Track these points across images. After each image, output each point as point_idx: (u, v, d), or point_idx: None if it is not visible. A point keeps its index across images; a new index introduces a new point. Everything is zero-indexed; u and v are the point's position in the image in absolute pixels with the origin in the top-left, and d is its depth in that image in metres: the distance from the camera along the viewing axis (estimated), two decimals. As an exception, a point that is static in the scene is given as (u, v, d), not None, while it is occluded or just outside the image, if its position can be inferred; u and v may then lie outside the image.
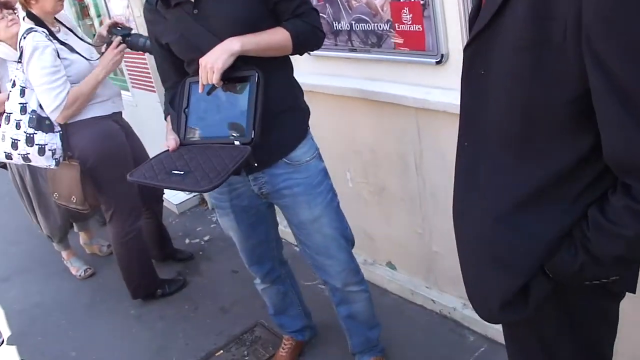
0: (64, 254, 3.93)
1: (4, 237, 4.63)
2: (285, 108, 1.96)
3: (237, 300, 3.34)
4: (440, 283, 2.85)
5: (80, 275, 3.88)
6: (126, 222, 3.18)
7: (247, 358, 2.90)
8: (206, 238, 4.04)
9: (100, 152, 2.95)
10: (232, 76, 1.77)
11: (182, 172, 1.68)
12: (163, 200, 3.71)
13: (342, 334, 2.82)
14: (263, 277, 2.46)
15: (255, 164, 1.90)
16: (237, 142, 1.77)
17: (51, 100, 2.75)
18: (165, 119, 2.06)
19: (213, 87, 1.79)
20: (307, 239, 2.18)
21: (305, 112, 2.08)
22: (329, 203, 2.11)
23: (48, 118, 2.80)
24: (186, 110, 1.87)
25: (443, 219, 2.59)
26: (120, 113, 3.17)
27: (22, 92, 2.77)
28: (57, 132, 2.84)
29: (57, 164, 2.87)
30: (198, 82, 1.78)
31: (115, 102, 3.08)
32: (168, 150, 1.87)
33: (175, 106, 1.95)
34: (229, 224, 2.25)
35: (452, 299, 2.83)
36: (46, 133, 2.79)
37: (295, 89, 2.06)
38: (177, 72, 1.99)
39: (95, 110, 2.96)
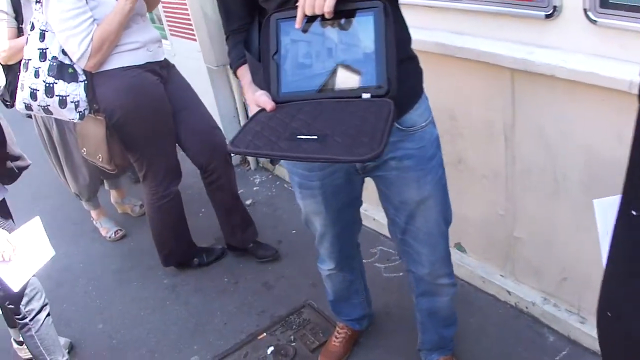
0: (93, 213, 3.63)
1: (30, 192, 4.33)
2: (405, 56, 1.58)
3: (282, 276, 3.01)
4: (518, 273, 2.49)
5: (110, 237, 3.60)
6: (160, 185, 2.83)
7: (293, 344, 2.58)
8: (248, 202, 3.71)
9: (126, 107, 2.57)
10: (344, 9, 1.34)
11: (314, 137, 1.26)
12: (232, 162, 3.13)
13: (403, 323, 2.52)
14: (337, 264, 2.11)
15: None
16: (365, 95, 1.34)
17: (75, 47, 2.38)
18: (235, 71, 1.66)
19: (310, 21, 1.38)
20: (405, 221, 1.82)
21: (419, 65, 1.70)
22: (438, 181, 1.75)
23: (71, 66, 2.44)
24: (276, 56, 1.43)
25: (532, 201, 2.23)
26: (160, 62, 2.69)
27: (42, 36, 2.40)
28: (81, 81, 2.47)
29: (82, 117, 2.53)
30: (290, 18, 1.38)
31: (151, 50, 2.61)
32: (262, 110, 1.42)
33: (254, 51, 1.55)
34: (314, 208, 1.88)
35: (531, 292, 2.49)
36: (68, 83, 2.43)
37: (409, 34, 1.66)
38: (246, 8, 1.59)
39: (125, 59, 2.54)
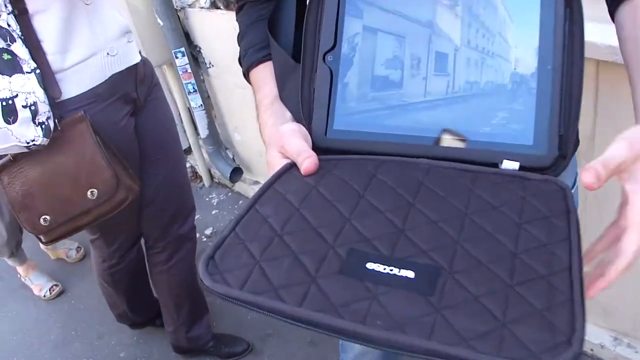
0: (20, 269, 2.93)
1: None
2: None
3: (268, 334, 2.41)
4: (581, 311, 1.97)
5: (45, 296, 2.91)
6: (115, 253, 2.11)
7: None
8: (208, 232, 3.07)
9: None
10: None
11: (406, 273, 0.58)
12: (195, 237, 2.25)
13: None
14: None
15: None
16: (509, 164, 0.70)
17: None
18: (246, 73, 0.97)
19: None
20: None
21: None
22: None
23: (6, 49, 1.50)
24: (330, 56, 0.78)
25: (599, 221, 1.67)
26: (136, 72, 1.72)
27: None
28: (28, 72, 1.49)
29: (47, 133, 1.47)
30: None
31: (114, 53, 1.62)
32: (289, 170, 0.75)
33: (287, 40, 0.90)
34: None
35: (598, 332, 2.02)
36: (8, 76, 1.41)
37: None
38: None
39: (73, 83, 1.55)
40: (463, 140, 0.70)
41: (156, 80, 1.86)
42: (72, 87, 1.54)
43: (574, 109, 0.68)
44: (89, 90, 1.56)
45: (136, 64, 1.68)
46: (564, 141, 0.68)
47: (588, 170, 0.59)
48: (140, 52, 1.75)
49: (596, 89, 1.49)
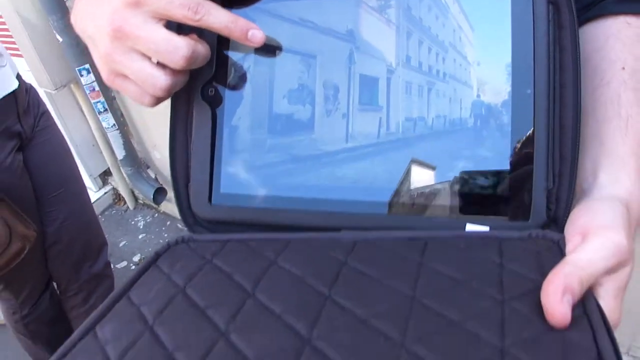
0: None
1: None
2: None
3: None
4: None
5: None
6: (24, 303, 1.83)
7: None
8: (136, 259, 2.79)
9: None
10: None
11: None
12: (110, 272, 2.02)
13: None
14: None
15: None
16: (472, 226, 0.47)
17: None
18: None
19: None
20: None
21: None
22: None
23: None
24: (209, 89, 0.55)
25: None
26: (16, 100, 1.46)
27: None
28: None
29: None
30: None
31: None
32: (152, 266, 0.53)
33: None
34: None
35: None
36: None
37: None
38: None
39: None
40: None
41: (44, 108, 1.60)
42: None
43: (569, 149, 0.46)
44: None
45: (14, 92, 1.41)
46: (555, 198, 0.46)
47: (562, 300, 0.37)
48: (19, 78, 1.48)
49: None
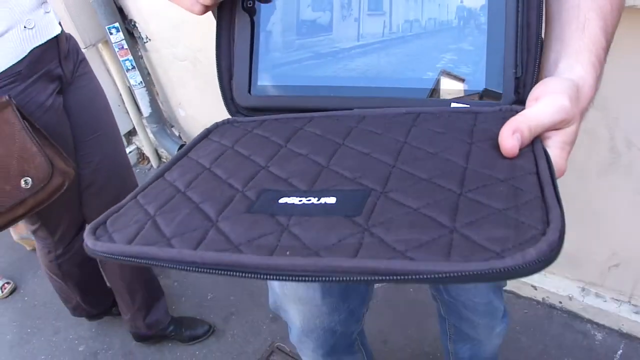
0: (-33, 269, 2.79)
1: None
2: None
3: (230, 313, 2.32)
4: (546, 262, 1.93)
5: (-4, 295, 2.77)
6: (59, 242, 1.96)
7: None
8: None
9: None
10: None
11: (328, 198, 0.48)
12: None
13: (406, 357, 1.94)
14: (327, 356, 1.42)
15: None
16: (456, 105, 0.60)
17: None
18: None
19: None
20: (459, 292, 1.27)
21: None
22: None
23: None
24: (248, 2, 0.68)
25: (572, 179, 1.68)
26: (58, 45, 1.56)
27: None
28: None
29: None
30: None
31: (31, 26, 1.46)
32: (205, 138, 0.68)
33: None
34: (301, 293, 1.12)
35: (566, 284, 1.98)
36: None
37: None
38: None
39: None
40: (461, 80, 0.61)
41: (82, 56, 1.73)
42: None
43: (533, 43, 0.59)
44: (7, 68, 1.42)
45: (57, 37, 1.54)
46: (522, 84, 0.59)
47: (512, 136, 0.50)
48: (60, 25, 1.61)
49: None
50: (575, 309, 1.95)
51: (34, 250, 2.90)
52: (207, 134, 0.65)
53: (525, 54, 0.59)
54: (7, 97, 1.40)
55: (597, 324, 1.92)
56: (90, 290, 2.22)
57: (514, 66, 0.58)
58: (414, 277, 0.37)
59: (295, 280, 0.41)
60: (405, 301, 2.14)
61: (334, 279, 0.39)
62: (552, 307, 2.00)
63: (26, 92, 1.47)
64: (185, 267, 0.45)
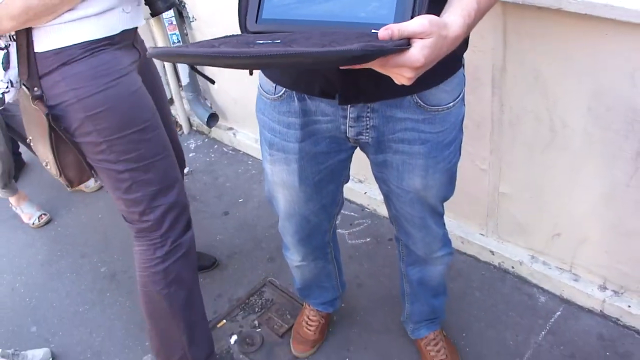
0: (12, 200, 3.19)
1: None
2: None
3: (234, 252, 2.70)
4: (502, 231, 2.28)
5: (33, 224, 3.17)
6: (171, 231, 1.87)
7: (259, 330, 2.30)
8: (185, 171, 3.33)
9: (90, 109, 1.59)
10: None
11: (277, 41, 0.87)
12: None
13: (378, 296, 2.36)
14: (306, 255, 1.80)
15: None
16: (375, 31, 0.89)
17: None
18: None
19: None
20: (401, 205, 1.52)
21: None
22: (450, 168, 1.44)
23: None
24: None
25: (522, 154, 1.99)
26: (135, 31, 1.77)
27: None
28: None
29: (1, 103, 1.58)
30: None
31: (128, 11, 1.66)
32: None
33: None
34: (283, 177, 1.47)
35: (517, 250, 2.30)
36: None
37: None
38: None
39: (88, 30, 1.57)
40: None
41: (140, 37, 1.97)
42: (93, 30, 1.60)
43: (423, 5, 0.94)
44: (103, 37, 1.62)
45: (136, 28, 1.79)
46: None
47: (387, 31, 0.84)
48: None
49: (504, 26, 1.76)
50: (524, 274, 2.28)
51: (76, 191, 3.26)
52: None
53: (419, 5, 0.94)
54: (45, 113, 1.56)
55: (542, 288, 2.24)
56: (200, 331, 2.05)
57: (412, 10, 0.94)
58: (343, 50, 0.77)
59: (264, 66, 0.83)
60: (384, 256, 2.50)
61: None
62: (505, 271, 2.33)
63: (118, 59, 1.66)
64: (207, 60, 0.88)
